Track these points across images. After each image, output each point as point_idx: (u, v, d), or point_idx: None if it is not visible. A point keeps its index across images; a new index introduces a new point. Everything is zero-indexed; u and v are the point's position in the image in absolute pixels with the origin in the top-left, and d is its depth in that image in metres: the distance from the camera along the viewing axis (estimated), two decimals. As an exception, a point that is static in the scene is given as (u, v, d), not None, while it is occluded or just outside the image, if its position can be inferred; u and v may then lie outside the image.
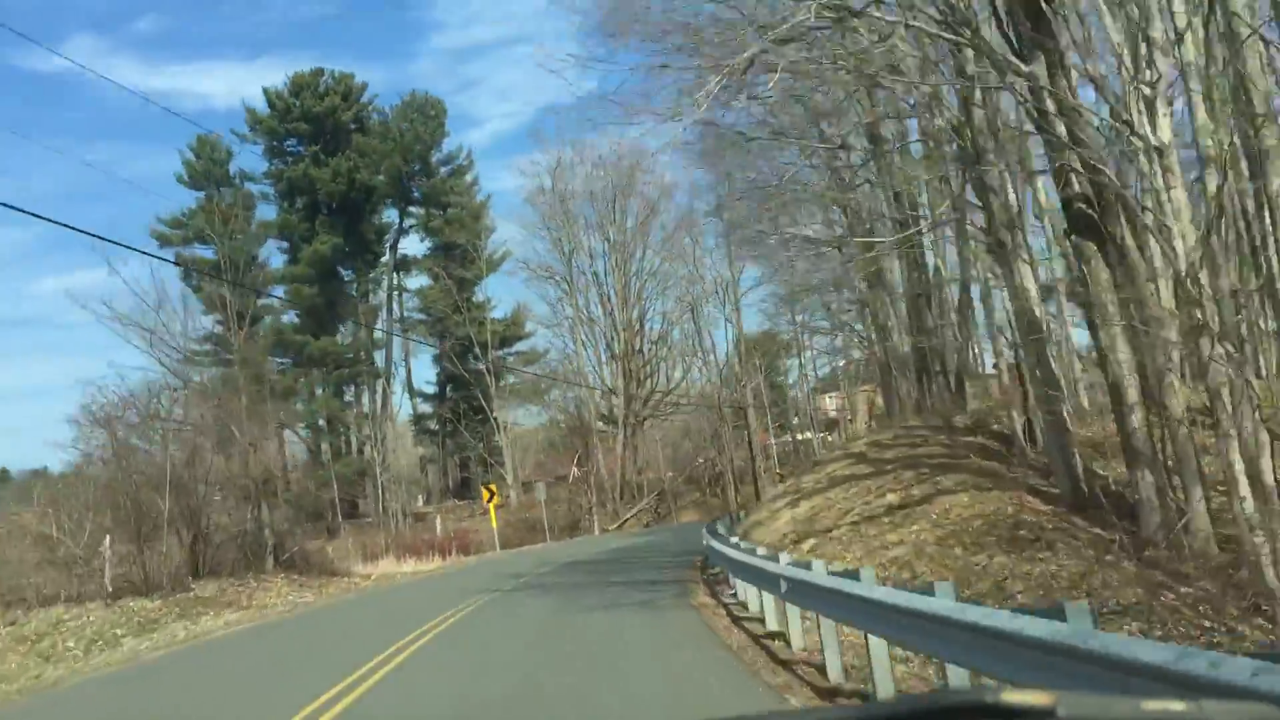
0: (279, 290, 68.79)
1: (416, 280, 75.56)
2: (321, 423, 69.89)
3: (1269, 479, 9.35)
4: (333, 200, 67.14)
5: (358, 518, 65.92)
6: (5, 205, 29.45)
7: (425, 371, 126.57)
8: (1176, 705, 1.07)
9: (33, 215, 45.98)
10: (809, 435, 65.00)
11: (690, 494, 60.66)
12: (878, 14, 13.42)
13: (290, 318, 70.58)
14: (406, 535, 57.21)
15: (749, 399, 56.12)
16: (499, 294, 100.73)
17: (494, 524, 43.07)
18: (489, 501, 44.42)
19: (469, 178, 72.58)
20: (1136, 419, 11.97)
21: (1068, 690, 1.17)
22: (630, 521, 57.98)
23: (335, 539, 59.81)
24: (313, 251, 66.50)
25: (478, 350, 67.22)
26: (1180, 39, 10.36)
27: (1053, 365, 15.86)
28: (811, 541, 17.53)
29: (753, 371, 59.53)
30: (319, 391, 69.41)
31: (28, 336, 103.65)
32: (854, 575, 8.06)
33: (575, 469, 51.22)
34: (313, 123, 67.60)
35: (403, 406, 78.32)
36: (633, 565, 25.88)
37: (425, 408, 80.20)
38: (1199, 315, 9.51)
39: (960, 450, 19.21)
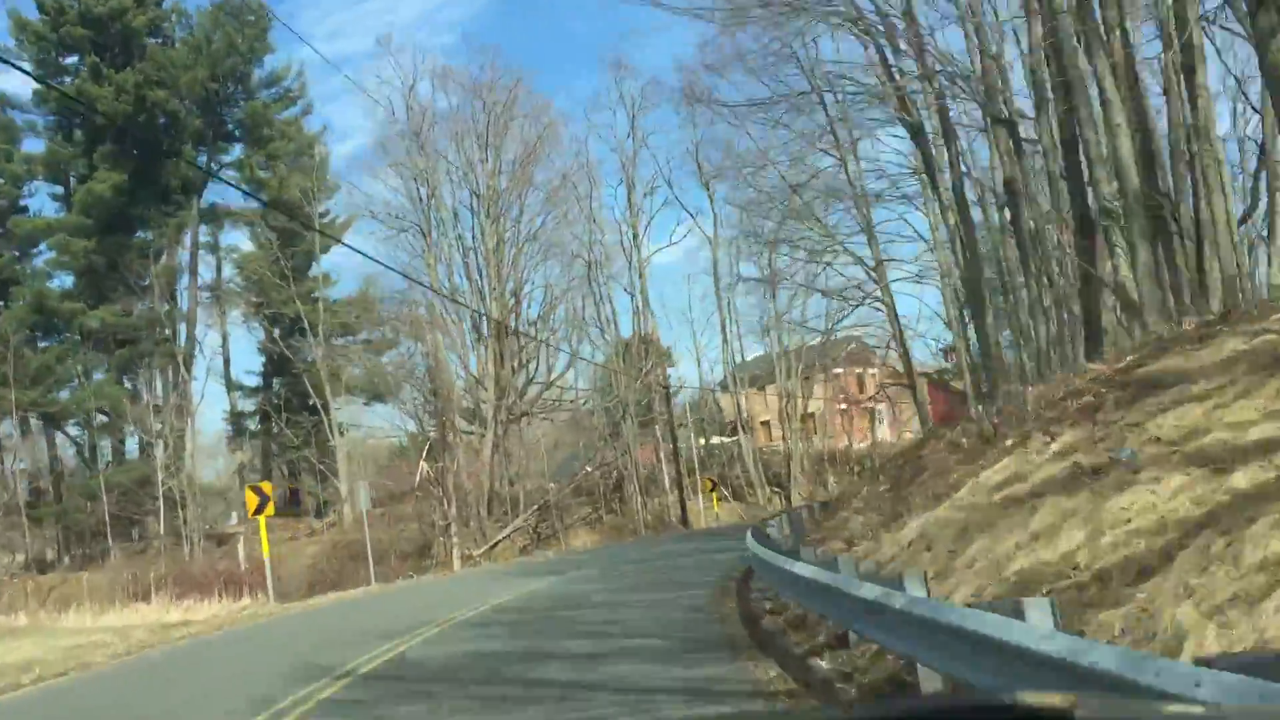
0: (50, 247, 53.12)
1: (238, 239, 60.54)
2: (103, 417, 54.34)
3: None
4: (117, 127, 51.52)
5: (149, 538, 50.97)
6: None
7: (247, 359, 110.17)
8: (1196, 709, 1.01)
9: None
10: (731, 439, 52.83)
11: (579, 509, 47.57)
12: None
13: (61, 281, 54.80)
14: (198, 564, 42.59)
15: (664, 381, 43.35)
16: (345, 270, 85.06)
17: (264, 551, 27.96)
18: (255, 514, 29.67)
19: (300, 106, 57.86)
20: None
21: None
22: (503, 547, 44.58)
23: (103, 567, 45.08)
24: (88, 193, 50.92)
25: (310, 333, 53.01)
26: None
27: None
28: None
29: (658, 358, 47.09)
30: (97, 376, 53.74)
31: None
32: None
33: (424, 465, 36.71)
34: (94, 27, 51.99)
35: (217, 402, 63.43)
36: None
37: (248, 404, 65.12)
38: None
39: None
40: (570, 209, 51.79)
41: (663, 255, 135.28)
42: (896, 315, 30.79)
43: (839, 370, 54.79)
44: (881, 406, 57.14)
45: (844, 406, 54.48)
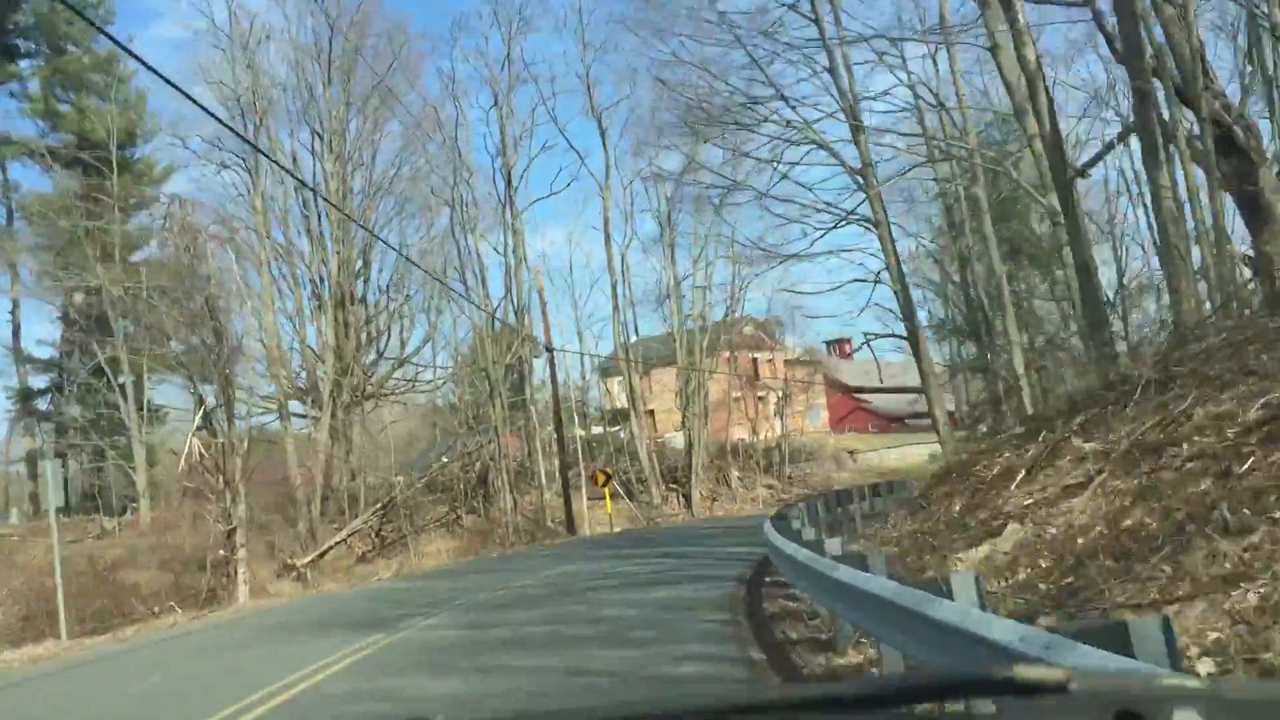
0: None
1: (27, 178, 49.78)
2: None
3: None
4: None
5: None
6: None
7: (39, 328, 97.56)
8: (1192, 682, 1.06)
9: None
10: (618, 428, 45.02)
11: (434, 508, 39.01)
12: None
13: None
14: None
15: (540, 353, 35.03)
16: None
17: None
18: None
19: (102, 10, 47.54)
20: None
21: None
22: (337, 554, 35.79)
23: None
24: None
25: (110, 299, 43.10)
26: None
27: None
28: None
29: (534, 349, 39.00)
30: None
31: None
32: None
33: (194, 442, 26.63)
34: None
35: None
36: None
37: (40, 381, 54.29)
38: None
39: None
40: (433, 154, 43.31)
41: (552, 210, 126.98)
42: (892, 238, 23.19)
43: (726, 354, 47.47)
44: (779, 394, 50.23)
45: (738, 394, 47.06)
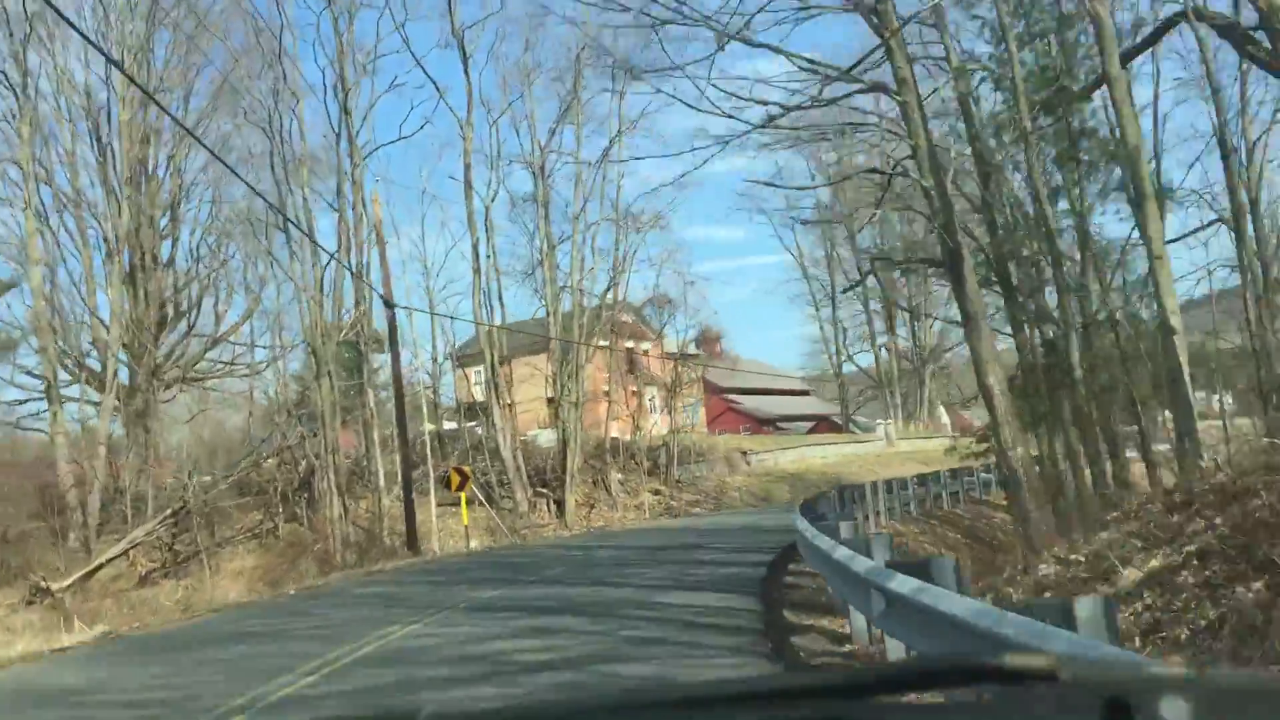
0: None
1: None
2: None
3: None
4: None
5: None
6: None
7: None
8: (1180, 671, 1.12)
9: None
10: (474, 424, 38.01)
11: (244, 516, 31.32)
12: None
13: None
14: None
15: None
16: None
17: None
18: None
19: None
20: None
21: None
22: (113, 574, 27.87)
23: None
24: None
25: None
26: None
27: None
28: None
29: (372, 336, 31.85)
30: None
31: None
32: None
33: None
34: None
35: None
36: None
37: None
38: None
39: None
40: (259, 93, 35.50)
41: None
42: (922, 108, 16.10)
43: (603, 343, 40.97)
44: (668, 384, 44.03)
45: (607, 388, 40.51)
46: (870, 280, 32.61)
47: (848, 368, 69.78)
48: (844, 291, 58.53)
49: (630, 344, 44.48)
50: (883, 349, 66.81)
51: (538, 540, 27.01)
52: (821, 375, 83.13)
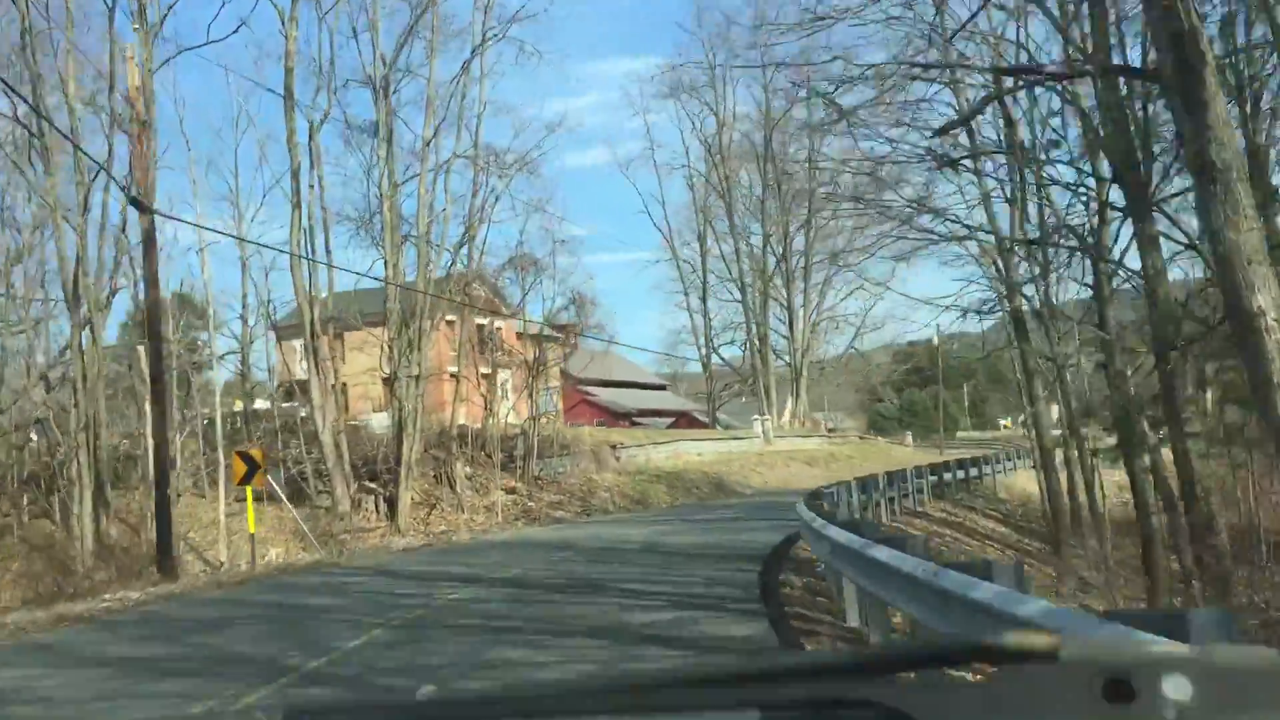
0: None
1: None
2: None
3: None
4: None
5: None
6: None
7: None
8: (1181, 649, 1.11)
9: None
10: (292, 404, 31.08)
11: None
12: None
13: None
14: None
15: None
16: None
17: None
18: None
19: None
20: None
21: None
22: None
23: None
24: None
25: None
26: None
27: None
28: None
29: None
30: None
31: None
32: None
33: None
34: None
35: None
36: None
37: None
38: None
39: None
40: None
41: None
42: None
43: (452, 318, 34.55)
44: (508, 374, 37.83)
45: (455, 370, 33.79)
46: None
47: (711, 363, 64.70)
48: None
49: (483, 322, 38.00)
50: (751, 343, 62.03)
51: (358, 556, 20.34)
52: (676, 375, 78.49)
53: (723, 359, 65.17)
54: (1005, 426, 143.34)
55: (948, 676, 1.43)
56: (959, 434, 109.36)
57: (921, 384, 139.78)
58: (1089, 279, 20.84)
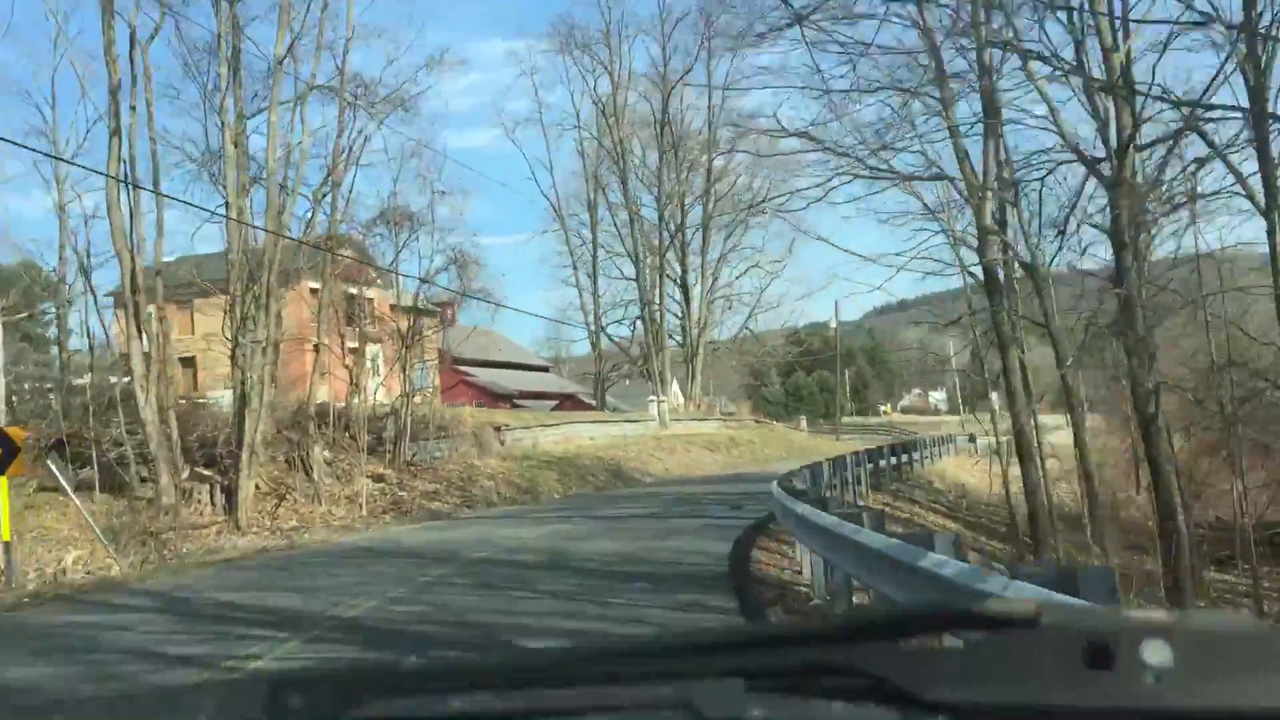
0: None
1: None
2: None
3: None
4: None
5: None
6: None
7: None
8: (1159, 615, 1.12)
9: None
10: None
11: None
12: None
13: None
14: None
15: None
16: None
17: None
18: None
19: None
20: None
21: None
22: None
23: None
24: None
25: None
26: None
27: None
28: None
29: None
30: None
31: None
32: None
33: None
34: None
35: None
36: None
37: None
38: None
39: None
40: None
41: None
42: None
43: (315, 285, 30.00)
44: (377, 348, 33.49)
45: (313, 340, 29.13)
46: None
47: (599, 343, 60.76)
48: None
49: (354, 291, 33.34)
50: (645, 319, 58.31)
51: (169, 567, 15.64)
52: (560, 358, 74.95)
53: (611, 339, 61.39)
54: (886, 412, 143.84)
55: (929, 643, 1.25)
56: (843, 419, 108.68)
57: (808, 368, 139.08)
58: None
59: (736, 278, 59.52)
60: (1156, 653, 0.98)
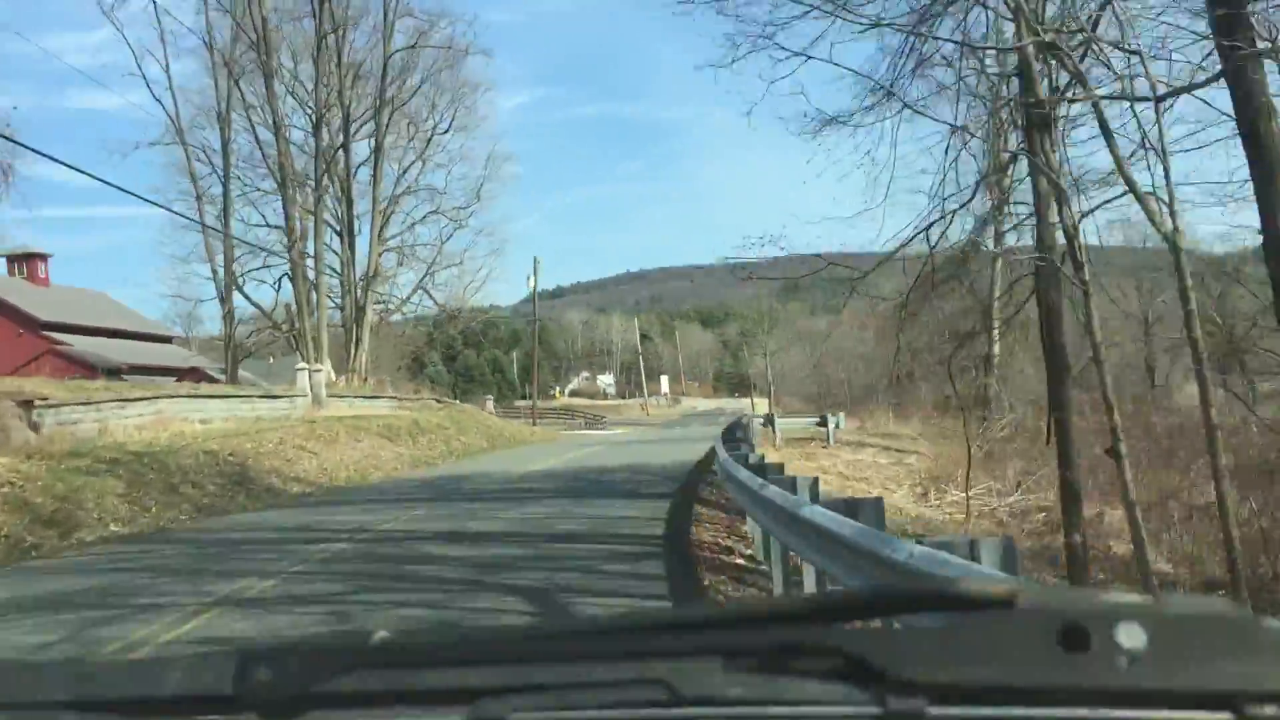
0: None
1: None
2: None
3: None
4: None
5: None
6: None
7: None
8: (1134, 599, 1.13)
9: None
10: None
11: None
12: None
13: None
14: None
15: None
16: None
17: None
18: None
19: None
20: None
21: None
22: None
23: None
24: None
25: None
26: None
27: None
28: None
29: None
30: None
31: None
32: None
33: None
34: None
35: None
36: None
37: None
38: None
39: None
40: None
41: None
42: None
43: None
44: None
45: None
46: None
47: (231, 301, 45.62)
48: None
49: None
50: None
51: None
52: (192, 336, 60.30)
53: (249, 298, 46.79)
54: (556, 395, 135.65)
55: (903, 623, 1.33)
56: (515, 403, 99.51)
57: (476, 347, 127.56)
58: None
59: (410, 225, 47.36)
60: (1131, 636, 0.98)
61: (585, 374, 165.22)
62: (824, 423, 35.45)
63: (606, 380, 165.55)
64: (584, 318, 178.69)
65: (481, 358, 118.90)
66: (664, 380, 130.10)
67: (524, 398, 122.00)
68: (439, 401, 42.65)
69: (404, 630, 1.21)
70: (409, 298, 48.98)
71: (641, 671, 1.07)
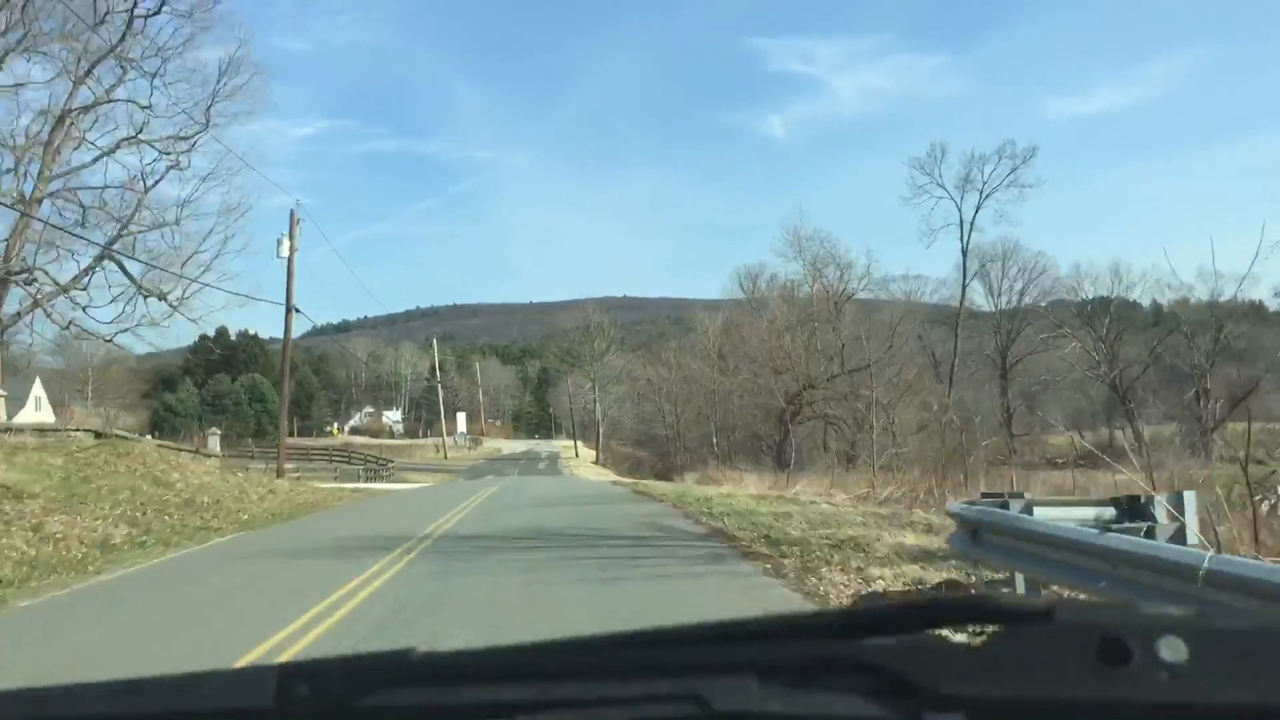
0: None
1: None
2: None
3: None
4: None
5: None
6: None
7: None
8: (1176, 610, 1.10)
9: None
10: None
11: None
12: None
13: None
14: None
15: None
16: None
17: None
18: None
19: None
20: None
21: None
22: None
23: None
24: None
25: None
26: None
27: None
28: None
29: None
30: None
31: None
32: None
33: None
34: None
35: None
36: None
37: None
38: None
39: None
40: None
41: None
42: None
43: None
44: None
45: None
46: None
47: None
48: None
49: None
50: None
51: None
52: None
53: None
54: (334, 432, 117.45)
55: (940, 637, 1.23)
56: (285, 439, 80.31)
57: (231, 370, 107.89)
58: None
59: (95, 160, 31.40)
60: (1172, 649, 0.96)
61: (369, 409, 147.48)
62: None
63: (394, 417, 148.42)
64: (371, 348, 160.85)
65: (237, 383, 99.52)
66: (461, 418, 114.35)
67: (301, 433, 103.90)
68: (98, 435, 26.41)
69: (451, 650, 1.21)
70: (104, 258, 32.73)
71: (675, 686, 1.05)
